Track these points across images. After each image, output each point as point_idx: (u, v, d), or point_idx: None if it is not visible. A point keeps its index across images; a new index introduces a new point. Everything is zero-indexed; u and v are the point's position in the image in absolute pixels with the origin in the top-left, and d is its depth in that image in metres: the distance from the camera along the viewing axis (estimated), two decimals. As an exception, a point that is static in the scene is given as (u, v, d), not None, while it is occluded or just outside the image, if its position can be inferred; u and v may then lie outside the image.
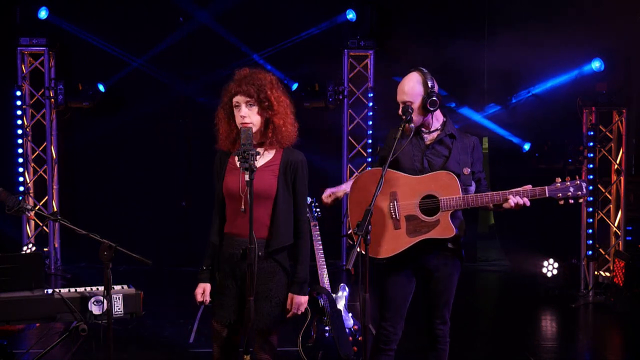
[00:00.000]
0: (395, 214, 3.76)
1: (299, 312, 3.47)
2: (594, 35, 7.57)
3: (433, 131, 3.86)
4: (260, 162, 3.42)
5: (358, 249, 3.34)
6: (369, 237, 3.34)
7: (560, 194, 3.68)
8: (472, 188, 3.83)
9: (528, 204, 3.66)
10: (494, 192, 3.68)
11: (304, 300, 3.47)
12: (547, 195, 3.68)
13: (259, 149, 3.39)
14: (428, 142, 3.85)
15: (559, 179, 3.72)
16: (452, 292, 3.89)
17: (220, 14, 8.93)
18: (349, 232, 3.80)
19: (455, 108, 9.04)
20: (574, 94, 7.72)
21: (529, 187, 3.68)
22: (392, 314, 3.83)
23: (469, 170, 3.80)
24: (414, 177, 3.75)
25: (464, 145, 3.87)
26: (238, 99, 3.43)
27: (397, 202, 3.75)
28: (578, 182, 3.68)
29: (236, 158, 3.39)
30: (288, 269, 3.50)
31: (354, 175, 3.97)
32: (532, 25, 8.17)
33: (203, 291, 3.54)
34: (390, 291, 3.80)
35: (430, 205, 3.72)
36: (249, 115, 3.41)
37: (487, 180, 3.93)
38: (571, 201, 3.69)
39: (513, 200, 3.64)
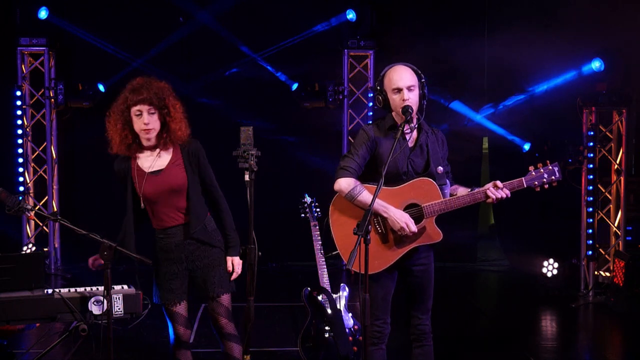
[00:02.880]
0: (381, 228, 3.76)
1: (239, 271, 3.89)
2: (594, 35, 7.56)
3: (411, 131, 3.78)
4: (164, 161, 3.80)
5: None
6: (369, 237, 3.33)
7: (537, 182, 3.76)
8: (447, 186, 3.82)
9: (509, 195, 3.73)
10: (475, 192, 3.73)
11: (239, 260, 3.90)
12: (525, 186, 3.76)
13: (156, 151, 3.79)
14: (411, 144, 3.78)
15: (532, 167, 3.77)
16: (432, 284, 3.91)
17: (220, 14, 8.93)
18: (333, 253, 3.83)
19: (454, 107, 9.04)
20: (574, 94, 7.72)
21: (498, 182, 3.72)
22: (382, 312, 3.85)
23: (442, 169, 3.80)
24: (393, 189, 3.73)
25: (435, 141, 3.85)
26: (140, 107, 3.70)
27: (380, 216, 3.73)
28: (550, 167, 3.76)
29: (138, 162, 3.81)
30: (218, 237, 3.90)
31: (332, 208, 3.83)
32: (531, 25, 8.18)
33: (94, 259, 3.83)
34: (379, 292, 3.81)
35: (414, 213, 3.73)
36: (151, 122, 3.72)
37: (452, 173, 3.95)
38: (546, 187, 3.76)
39: (495, 195, 3.69)
